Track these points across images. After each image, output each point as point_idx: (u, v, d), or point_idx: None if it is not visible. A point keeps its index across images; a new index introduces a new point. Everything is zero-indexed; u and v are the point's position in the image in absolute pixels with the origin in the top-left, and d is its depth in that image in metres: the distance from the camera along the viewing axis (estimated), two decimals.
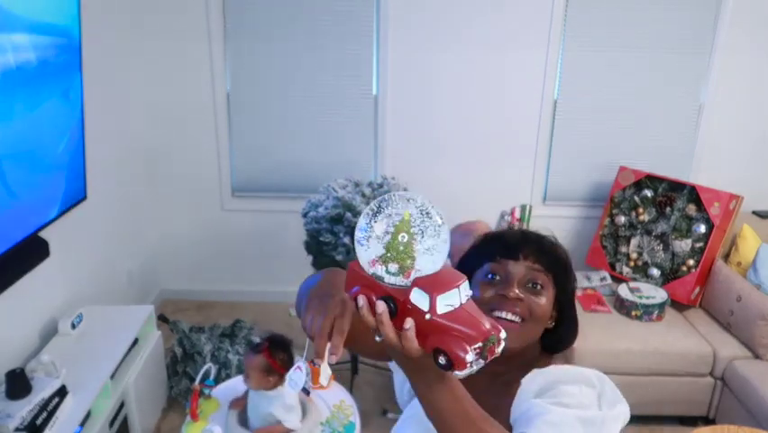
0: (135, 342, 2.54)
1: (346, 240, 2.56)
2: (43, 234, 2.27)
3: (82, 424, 2.03)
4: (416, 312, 0.69)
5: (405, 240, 0.69)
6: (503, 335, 0.69)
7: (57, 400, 1.97)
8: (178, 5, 3.38)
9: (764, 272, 3.00)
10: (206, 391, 2.15)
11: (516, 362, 0.98)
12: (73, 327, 2.45)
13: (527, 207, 3.72)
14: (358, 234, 0.72)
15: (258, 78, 3.53)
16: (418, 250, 0.69)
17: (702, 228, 3.08)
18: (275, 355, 1.98)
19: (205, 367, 2.20)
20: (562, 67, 3.53)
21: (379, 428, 2.74)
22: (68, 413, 2.00)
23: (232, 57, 3.50)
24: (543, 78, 3.53)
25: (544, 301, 0.99)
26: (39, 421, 1.87)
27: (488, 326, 0.68)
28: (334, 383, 2.35)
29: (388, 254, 0.70)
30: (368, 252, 0.71)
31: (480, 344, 0.67)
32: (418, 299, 0.68)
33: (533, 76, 3.53)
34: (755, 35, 3.47)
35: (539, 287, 0.99)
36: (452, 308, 0.68)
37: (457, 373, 0.66)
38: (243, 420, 2.08)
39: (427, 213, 0.69)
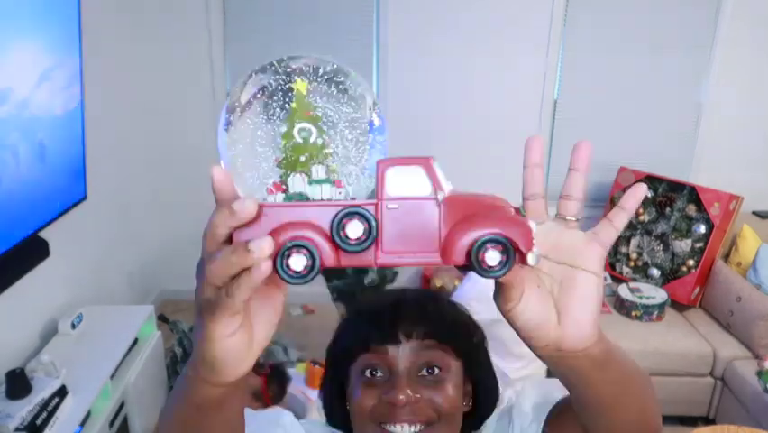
0: (135, 342, 2.54)
1: None
2: (43, 234, 2.27)
3: (82, 424, 2.03)
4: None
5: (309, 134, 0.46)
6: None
7: (57, 400, 1.97)
8: (178, 6, 3.38)
9: (764, 272, 3.00)
10: None
11: None
12: (73, 327, 2.45)
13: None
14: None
15: None
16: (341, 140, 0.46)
17: (702, 228, 3.08)
18: (269, 386, 1.98)
19: None
20: (562, 67, 3.53)
21: None
22: (68, 413, 2.00)
23: (232, 57, 3.50)
24: (543, 78, 3.53)
25: (451, 389, 0.74)
26: (39, 421, 1.87)
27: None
28: None
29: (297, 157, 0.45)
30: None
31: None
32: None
33: (533, 76, 3.53)
34: (755, 35, 3.47)
35: (437, 371, 0.74)
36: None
37: None
38: None
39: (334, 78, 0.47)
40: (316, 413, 2.07)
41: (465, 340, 0.78)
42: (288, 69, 0.50)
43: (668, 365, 2.76)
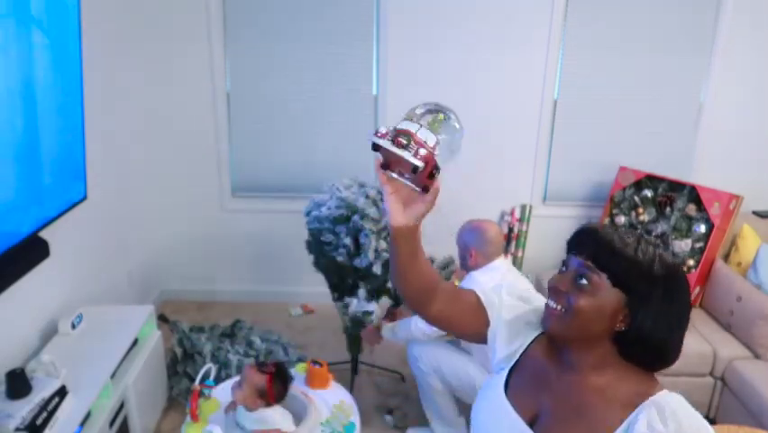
0: (135, 342, 2.54)
1: (347, 241, 2.55)
2: (43, 234, 2.27)
3: (82, 424, 2.03)
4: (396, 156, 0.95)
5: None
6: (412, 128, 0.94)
7: (57, 400, 1.97)
8: (178, 5, 3.38)
9: (764, 272, 3.00)
10: (206, 392, 2.14)
11: (579, 350, 1.04)
12: (73, 327, 2.45)
13: (527, 207, 3.72)
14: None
15: (258, 78, 3.53)
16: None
17: (702, 228, 3.08)
18: (274, 385, 1.98)
19: (206, 367, 2.19)
20: (562, 67, 3.53)
21: (379, 428, 2.74)
22: (68, 413, 2.00)
23: (232, 57, 3.50)
24: (543, 78, 3.53)
25: (588, 299, 0.99)
26: (39, 421, 1.87)
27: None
28: (334, 383, 2.35)
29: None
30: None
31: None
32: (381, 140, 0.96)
33: (533, 76, 3.54)
34: (755, 35, 3.47)
35: (585, 284, 1.00)
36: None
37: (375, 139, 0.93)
38: None
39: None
40: (317, 413, 2.08)
41: (624, 274, 0.99)
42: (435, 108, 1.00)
43: None
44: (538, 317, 1.13)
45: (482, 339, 1.17)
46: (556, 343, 1.08)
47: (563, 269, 1.06)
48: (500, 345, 1.15)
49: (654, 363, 1.02)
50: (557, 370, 1.07)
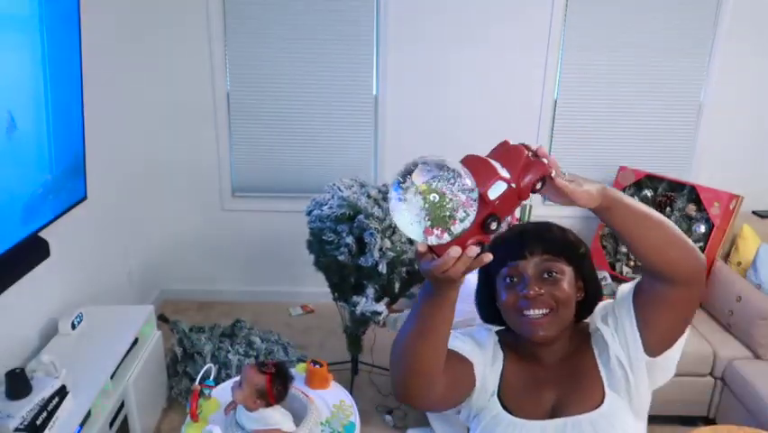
0: (135, 342, 2.54)
1: (349, 240, 2.55)
2: (43, 234, 2.27)
3: (82, 424, 2.03)
4: (506, 196, 0.80)
5: (436, 199, 0.76)
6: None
7: (57, 400, 1.97)
8: (178, 5, 3.38)
9: (764, 272, 3.00)
10: (206, 392, 2.14)
11: (564, 339, 1.11)
12: (73, 327, 2.45)
13: (527, 207, 3.71)
14: (406, 230, 0.79)
15: (258, 78, 3.53)
16: (452, 195, 0.76)
17: (702, 228, 3.08)
18: (274, 385, 1.98)
19: (206, 367, 2.19)
20: (562, 67, 3.53)
21: (379, 428, 2.74)
22: (68, 413, 2.00)
23: (232, 57, 3.50)
24: (543, 78, 3.53)
25: (565, 285, 1.06)
26: (39, 421, 1.87)
27: (525, 153, 0.90)
28: (334, 383, 2.35)
29: (437, 220, 0.76)
30: (419, 233, 0.78)
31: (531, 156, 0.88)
32: (497, 190, 0.79)
33: (533, 76, 3.54)
34: (755, 35, 3.47)
35: (555, 274, 1.06)
36: (506, 172, 0.83)
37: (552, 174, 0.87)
38: None
39: (438, 168, 0.77)
40: (317, 413, 2.08)
41: (573, 252, 1.11)
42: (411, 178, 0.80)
43: None
44: (493, 334, 1.17)
45: (468, 391, 1.10)
46: (539, 344, 1.09)
47: (512, 280, 1.07)
48: (490, 377, 1.11)
49: (595, 306, 1.15)
50: (540, 364, 1.11)
